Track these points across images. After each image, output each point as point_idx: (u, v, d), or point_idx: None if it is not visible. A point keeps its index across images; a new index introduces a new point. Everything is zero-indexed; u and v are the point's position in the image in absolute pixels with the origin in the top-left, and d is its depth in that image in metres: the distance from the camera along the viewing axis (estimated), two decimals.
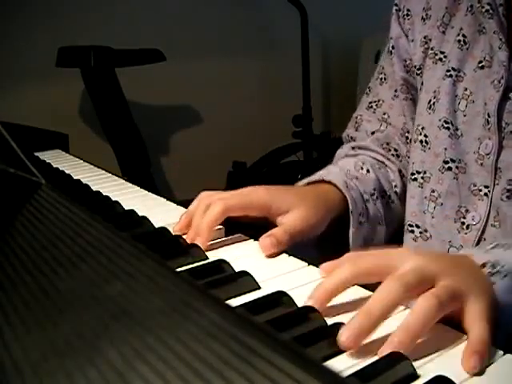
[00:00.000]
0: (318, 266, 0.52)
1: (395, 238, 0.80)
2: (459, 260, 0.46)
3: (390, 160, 0.78)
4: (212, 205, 0.57)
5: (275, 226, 0.59)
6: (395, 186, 0.76)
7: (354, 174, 0.72)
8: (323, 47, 2.48)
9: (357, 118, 0.82)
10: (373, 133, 0.80)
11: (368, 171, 0.73)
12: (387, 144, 0.78)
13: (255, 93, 2.32)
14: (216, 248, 0.57)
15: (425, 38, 0.72)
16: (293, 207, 0.60)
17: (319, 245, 0.67)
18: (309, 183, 0.69)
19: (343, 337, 0.37)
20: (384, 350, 0.36)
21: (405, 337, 0.37)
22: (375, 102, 0.80)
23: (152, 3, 1.98)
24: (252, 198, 0.59)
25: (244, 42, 2.24)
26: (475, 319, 0.39)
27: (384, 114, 0.79)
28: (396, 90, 0.77)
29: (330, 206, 0.65)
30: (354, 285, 0.44)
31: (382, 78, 0.80)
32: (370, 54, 2.06)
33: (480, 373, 0.36)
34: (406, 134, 0.78)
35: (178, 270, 0.49)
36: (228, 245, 0.58)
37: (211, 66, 2.13)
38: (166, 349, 0.30)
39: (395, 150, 0.78)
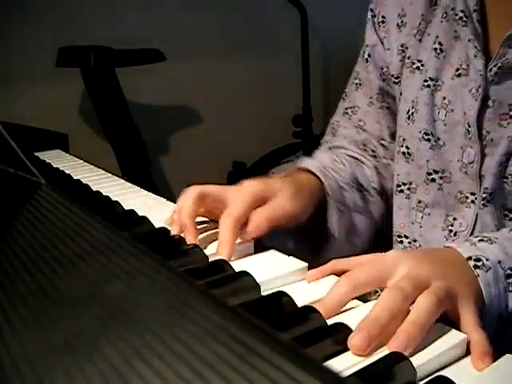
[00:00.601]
0: (317, 266, 0.52)
1: (384, 245, 0.79)
2: (447, 257, 0.47)
3: (366, 158, 0.77)
4: (221, 221, 0.55)
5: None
6: (372, 182, 0.75)
7: (329, 165, 0.71)
8: (323, 47, 2.48)
9: (333, 124, 0.81)
10: (350, 137, 0.79)
11: (344, 164, 0.73)
12: (364, 145, 0.78)
13: (255, 93, 2.32)
14: (213, 246, 0.57)
15: (402, 46, 0.70)
16: (277, 194, 0.59)
17: (297, 235, 0.67)
18: (287, 173, 0.68)
19: (354, 340, 0.37)
20: (391, 344, 0.37)
21: (412, 330, 0.37)
22: (351, 108, 0.79)
23: (152, 3, 1.98)
24: (250, 195, 0.58)
25: (244, 41, 2.24)
26: (472, 322, 0.41)
27: (360, 120, 0.78)
28: (371, 97, 0.76)
29: (312, 191, 0.64)
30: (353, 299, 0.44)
31: (357, 84, 0.78)
32: None
33: (480, 373, 0.36)
34: (382, 142, 0.77)
35: (178, 270, 0.49)
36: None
37: (211, 66, 2.12)
38: (165, 348, 0.30)
39: (372, 150, 0.77)
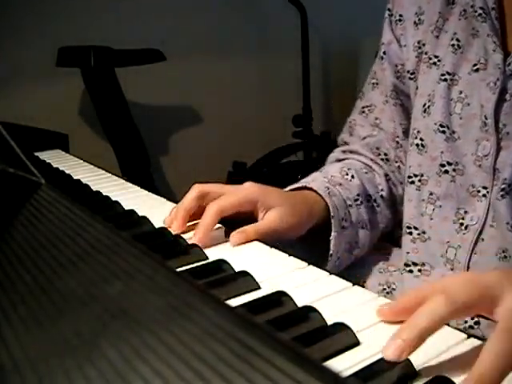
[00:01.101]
0: (318, 267, 0.52)
1: (388, 238, 0.80)
2: None
3: (378, 164, 0.79)
4: (207, 209, 0.59)
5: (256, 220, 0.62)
6: (381, 190, 0.77)
7: (337, 180, 0.73)
8: (323, 47, 2.48)
9: (350, 122, 0.84)
10: (364, 138, 0.81)
11: (353, 177, 0.74)
12: (377, 149, 0.79)
13: (255, 93, 2.32)
14: (216, 246, 0.57)
15: (418, 42, 0.72)
16: (275, 205, 0.62)
17: (298, 247, 0.68)
18: (294, 189, 0.71)
19: (388, 351, 0.35)
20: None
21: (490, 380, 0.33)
22: (367, 106, 0.81)
23: (152, 3, 1.98)
24: (242, 195, 0.61)
25: (244, 41, 2.24)
26: None
27: (376, 119, 0.80)
28: (387, 95, 0.78)
29: (312, 212, 0.66)
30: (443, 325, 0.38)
31: (374, 83, 0.81)
32: (370, 54, 2.06)
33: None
34: (397, 139, 0.79)
35: (178, 269, 0.49)
36: (227, 244, 0.58)
37: (211, 66, 2.12)
38: (165, 348, 0.30)
39: (385, 154, 0.79)
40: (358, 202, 0.72)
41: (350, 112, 0.86)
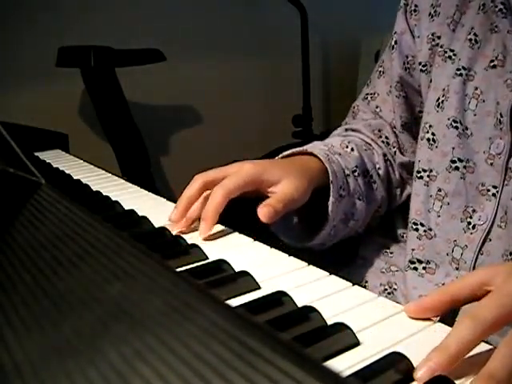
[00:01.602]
0: (318, 266, 0.52)
1: (391, 236, 0.80)
2: None
3: (378, 144, 0.79)
4: (213, 192, 0.59)
5: (267, 197, 0.62)
6: (378, 168, 0.76)
7: (337, 150, 0.73)
8: (323, 47, 2.48)
9: (354, 107, 0.85)
10: (367, 120, 0.82)
11: (352, 149, 0.74)
12: (379, 131, 0.80)
13: (255, 93, 2.32)
14: (216, 246, 0.57)
15: (432, 34, 0.71)
16: (282, 178, 0.62)
17: (299, 215, 0.70)
18: (292, 154, 0.71)
19: (419, 374, 0.34)
20: None
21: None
22: (371, 94, 0.82)
23: (152, 3, 1.98)
24: (245, 175, 0.61)
25: (244, 41, 2.24)
26: None
27: (377, 107, 0.81)
28: (391, 86, 0.78)
29: (312, 176, 0.66)
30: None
31: (380, 72, 0.81)
32: (370, 54, 2.06)
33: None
34: (394, 130, 0.79)
35: (178, 269, 0.49)
36: (227, 244, 0.58)
37: (211, 65, 2.12)
38: (165, 349, 0.30)
39: (386, 137, 0.79)
40: (356, 174, 0.72)
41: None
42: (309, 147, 0.71)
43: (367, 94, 0.82)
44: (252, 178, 0.61)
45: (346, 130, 0.83)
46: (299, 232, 0.70)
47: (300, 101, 2.22)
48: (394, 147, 0.79)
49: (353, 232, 0.74)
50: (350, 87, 2.21)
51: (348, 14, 2.39)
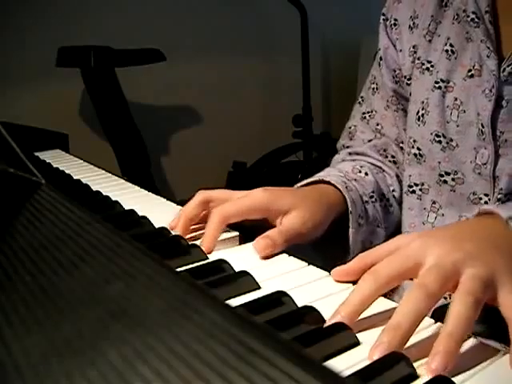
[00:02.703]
0: (317, 266, 0.52)
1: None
2: (482, 229, 0.45)
3: (387, 165, 0.77)
4: (210, 216, 0.57)
5: (274, 227, 0.59)
6: (393, 191, 0.75)
7: (352, 176, 0.71)
8: (323, 47, 2.49)
9: (350, 128, 0.81)
10: (369, 141, 0.79)
11: (366, 174, 0.73)
12: (384, 151, 0.78)
13: (255, 93, 2.32)
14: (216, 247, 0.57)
15: (413, 47, 0.70)
16: (293, 208, 0.59)
17: (317, 247, 0.66)
18: (308, 184, 0.69)
19: (375, 355, 0.36)
20: (431, 365, 0.35)
21: (450, 345, 0.35)
22: (368, 112, 0.79)
23: (152, 3, 1.98)
24: (250, 202, 0.58)
25: (244, 41, 2.24)
26: None
27: (377, 124, 0.78)
28: (388, 101, 0.76)
29: (330, 207, 0.64)
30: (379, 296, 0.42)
31: (374, 88, 0.79)
32: (370, 54, 2.06)
33: (480, 373, 0.36)
34: (401, 145, 0.77)
35: (178, 269, 0.49)
36: (227, 245, 0.58)
37: (211, 65, 2.13)
38: (166, 349, 0.30)
39: (392, 156, 0.78)
40: (374, 199, 0.71)
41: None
42: (324, 176, 0.68)
43: (364, 114, 0.79)
44: (256, 207, 0.58)
45: (350, 153, 0.80)
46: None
47: (300, 101, 2.22)
48: (403, 164, 0.77)
49: None
50: (350, 87, 2.21)
51: (348, 13, 2.39)
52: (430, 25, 0.68)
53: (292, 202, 0.59)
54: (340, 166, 0.76)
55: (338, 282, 0.48)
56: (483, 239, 0.44)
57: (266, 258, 0.54)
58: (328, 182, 0.67)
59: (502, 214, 0.45)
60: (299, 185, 0.69)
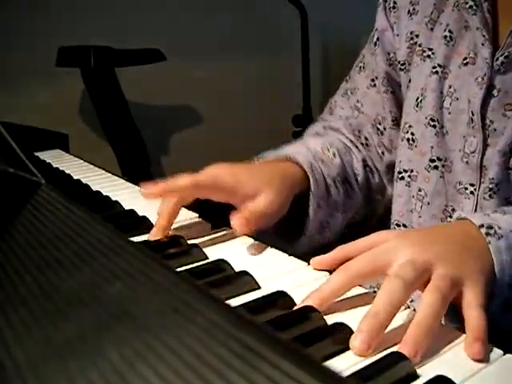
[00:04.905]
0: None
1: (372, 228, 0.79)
2: (454, 234, 0.48)
3: (358, 148, 0.77)
4: (166, 200, 0.59)
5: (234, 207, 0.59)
6: (357, 175, 0.75)
7: (320, 156, 0.71)
8: (323, 47, 2.48)
9: (331, 103, 0.83)
10: (347, 118, 0.79)
11: (334, 155, 0.72)
12: (359, 131, 0.78)
13: (255, 93, 2.32)
14: (216, 246, 0.57)
15: (411, 33, 0.70)
16: (259, 192, 0.59)
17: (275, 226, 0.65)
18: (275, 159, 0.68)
19: (357, 341, 0.37)
20: (401, 348, 0.37)
21: (417, 333, 0.37)
22: (351, 89, 0.80)
23: (152, 3, 1.98)
24: (218, 180, 0.59)
25: (244, 42, 2.24)
26: (472, 306, 0.41)
27: (357, 102, 0.79)
28: (373, 80, 0.77)
29: (293, 186, 0.64)
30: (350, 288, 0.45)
31: (360, 67, 0.80)
32: None
33: (480, 373, 0.36)
34: (378, 126, 0.77)
35: (178, 269, 0.49)
36: (227, 244, 0.58)
37: (211, 66, 2.12)
38: (166, 349, 0.30)
39: (365, 138, 0.78)
40: (337, 182, 0.70)
41: None
42: (292, 154, 0.68)
43: (347, 90, 0.81)
44: (227, 188, 0.59)
45: (325, 127, 0.81)
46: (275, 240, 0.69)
47: (300, 101, 2.22)
48: (379, 147, 0.77)
49: (326, 240, 0.71)
50: None
51: (348, 13, 2.39)
52: (432, 13, 0.68)
53: (258, 186, 0.59)
54: (311, 141, 0.75)
55: (316, 269, 0.51)
56: (455, 242, 0.46)
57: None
58: (294, 161, 0.67)
59: (474, 221, 0.48)
60: (267, 158, 0.69)
